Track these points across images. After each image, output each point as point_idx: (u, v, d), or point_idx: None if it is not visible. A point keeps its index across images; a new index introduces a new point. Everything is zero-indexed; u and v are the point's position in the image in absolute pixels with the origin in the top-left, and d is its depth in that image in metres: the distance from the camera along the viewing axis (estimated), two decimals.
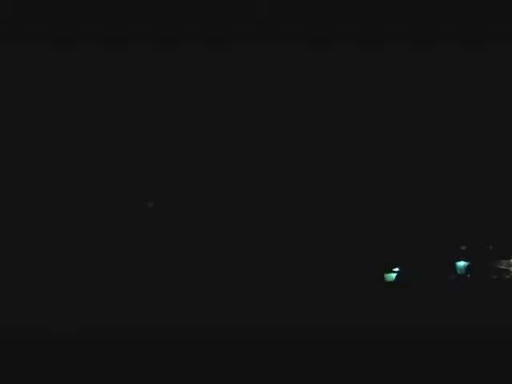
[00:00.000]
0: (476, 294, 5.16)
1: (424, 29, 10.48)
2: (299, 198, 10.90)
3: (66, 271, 6.19)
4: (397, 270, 6.28)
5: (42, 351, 4.03)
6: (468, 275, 6.14)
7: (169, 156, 14.17)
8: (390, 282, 6.00)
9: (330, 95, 13.73)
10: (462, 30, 9.83)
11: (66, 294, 5.31)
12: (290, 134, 14.23)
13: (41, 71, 11.04)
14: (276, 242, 10.67)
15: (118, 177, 12.12)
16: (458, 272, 6.36)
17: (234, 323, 4.44)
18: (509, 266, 8.52)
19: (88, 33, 10.25)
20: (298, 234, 11.32)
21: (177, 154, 15.25)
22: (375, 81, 12.98)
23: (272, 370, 3.81)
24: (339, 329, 4.14)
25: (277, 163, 13.59)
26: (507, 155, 11.48)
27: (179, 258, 7.13)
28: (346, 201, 12.93)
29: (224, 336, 4.25)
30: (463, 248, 11.84)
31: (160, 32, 10.56)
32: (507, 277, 6.72)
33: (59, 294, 5.26)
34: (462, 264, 6.50)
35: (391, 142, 11.06)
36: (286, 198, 10.22)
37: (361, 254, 11.10)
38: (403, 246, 12.43)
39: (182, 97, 14.29)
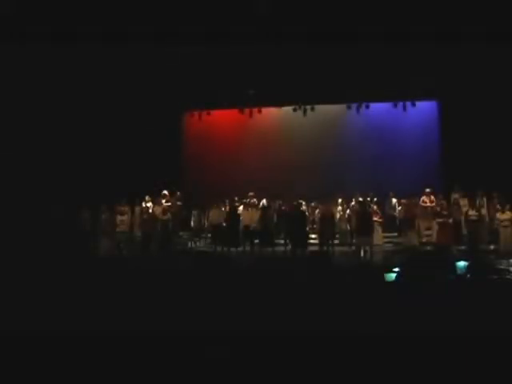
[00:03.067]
0: (476, 294, 5.15)
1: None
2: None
3: None
4: (397, 269, 6.26)
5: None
6: (468, 275, 6.12)
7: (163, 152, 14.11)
8: (390, 282, 5.98)
9: (329, 96, 13.68)
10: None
11: None
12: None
13: (41, 71, 11.05)
14: None
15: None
16: (458, 272, 6.33)
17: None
18: (509, 265, 8.50)
19: (88, 33, 10.28)
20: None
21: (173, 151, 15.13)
22: (374, 80, 12.93)
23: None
24: (339, 329, 4.13)
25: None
26: None
27: None
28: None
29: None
30: (463, 248, 11.84)
31: (160, 32, 10.58)
32: (507, 277, 6.71)
33: None
34: (462, 264, 6.48)
35: None
36: None
37: (360, 252, 11.11)
38: (403, 245, 12.42)
39: (182, 96, 14.24)
